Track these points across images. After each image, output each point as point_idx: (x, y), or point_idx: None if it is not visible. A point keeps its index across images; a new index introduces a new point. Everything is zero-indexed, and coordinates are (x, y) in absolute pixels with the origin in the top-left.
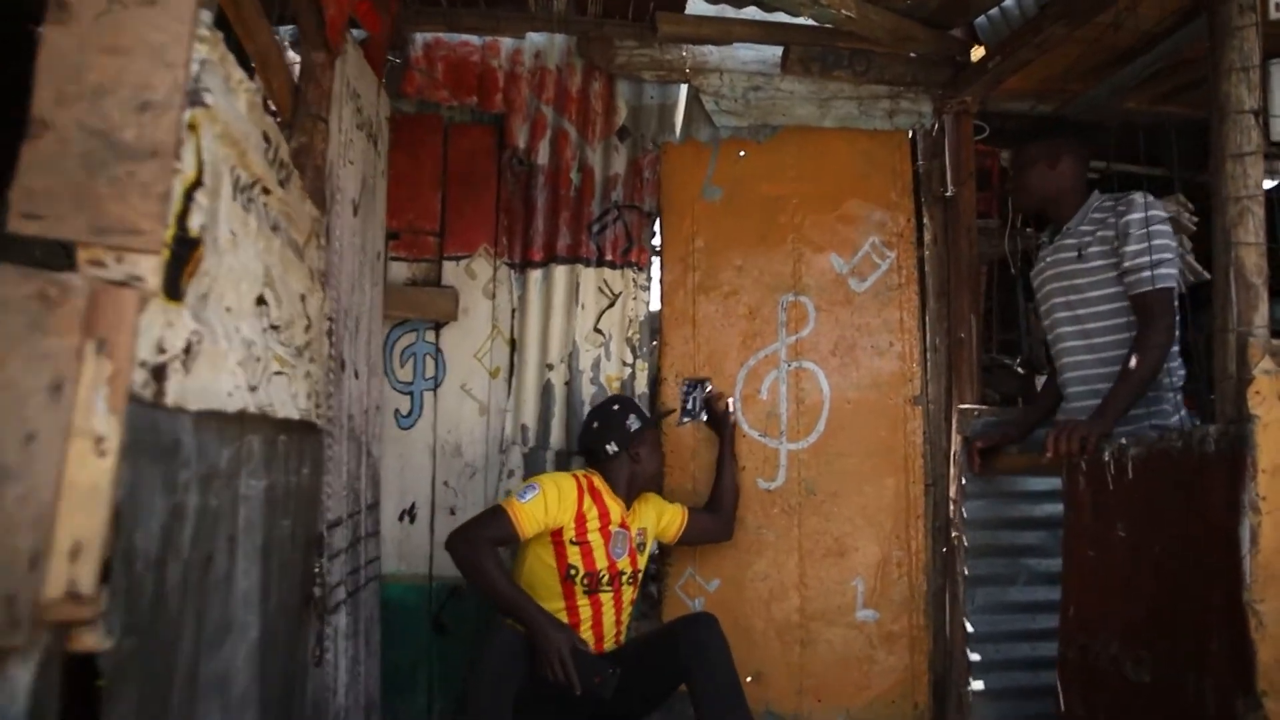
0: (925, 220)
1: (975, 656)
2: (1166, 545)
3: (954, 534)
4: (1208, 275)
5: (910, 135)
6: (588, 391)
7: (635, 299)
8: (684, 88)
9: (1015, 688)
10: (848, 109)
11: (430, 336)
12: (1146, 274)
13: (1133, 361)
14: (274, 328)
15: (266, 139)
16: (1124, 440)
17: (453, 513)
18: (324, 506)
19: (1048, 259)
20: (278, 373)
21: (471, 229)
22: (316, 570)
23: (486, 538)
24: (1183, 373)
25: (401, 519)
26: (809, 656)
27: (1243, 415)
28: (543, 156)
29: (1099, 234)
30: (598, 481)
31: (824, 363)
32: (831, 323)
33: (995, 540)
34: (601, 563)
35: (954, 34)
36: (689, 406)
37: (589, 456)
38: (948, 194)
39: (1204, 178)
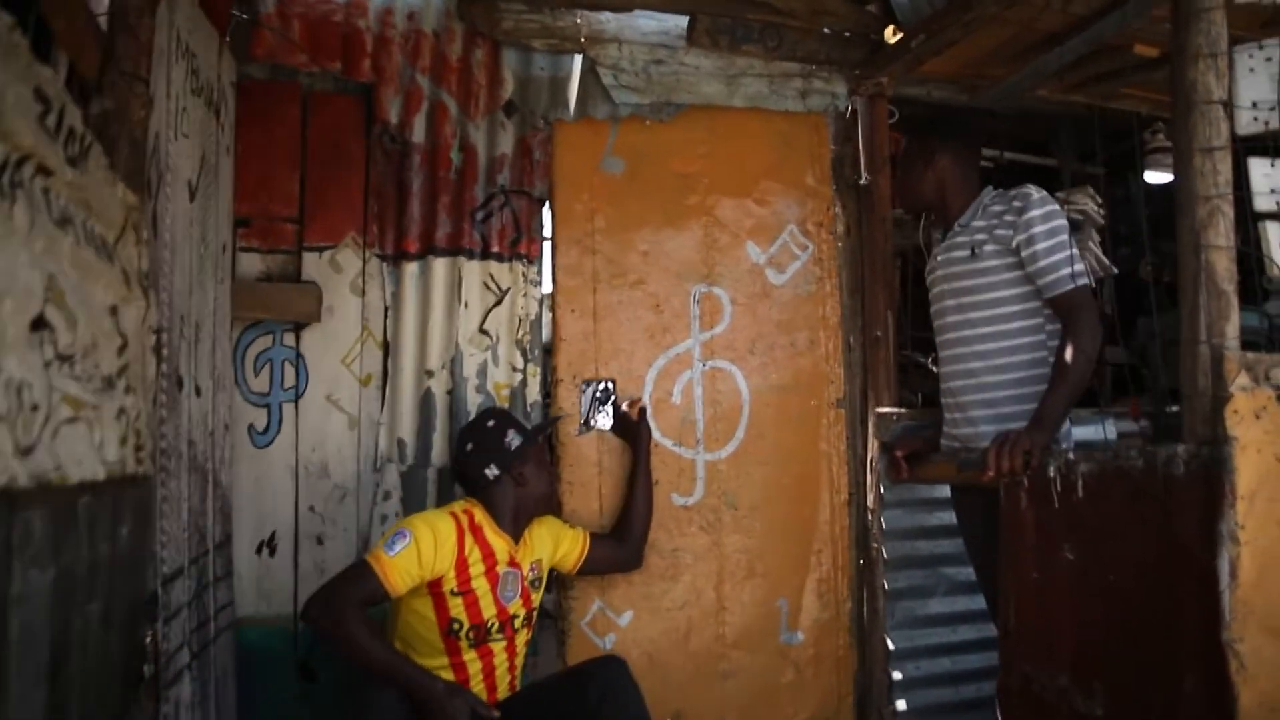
0: (838, 210)
1: (896, 675)
2: (1125, 571)
3: (873, 545)
4: (1115, 270)
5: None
6: (473, 401)
7: (525, 296)
8: (578, 59)
9: (938, 704)
10: (758, 87)
11: (289, 340)
12: (1066, 272)
13: (1067, 361)
14: (63, 358)
15: (42, 99)
16: (1071, 455)
17: (320, 542)
18: (158, 559)
19: (939, 258)
20: (70, 420)
21: (336, 215)
22: (148, 640)
23: (351, 600)
24: None
25: (260, 551)
26: (731, 689)
27: (1219, 436)
28: (418, 133)
29: (996, 232)
30: (479, 515)
31: (742, 362)
32: (749, 317)
33: (914, 551)
34: (489, 611)
35: (869, 9)
36: (590, 413)
37: (465, 484)
38: (861, 182)
39: (1094, 169)
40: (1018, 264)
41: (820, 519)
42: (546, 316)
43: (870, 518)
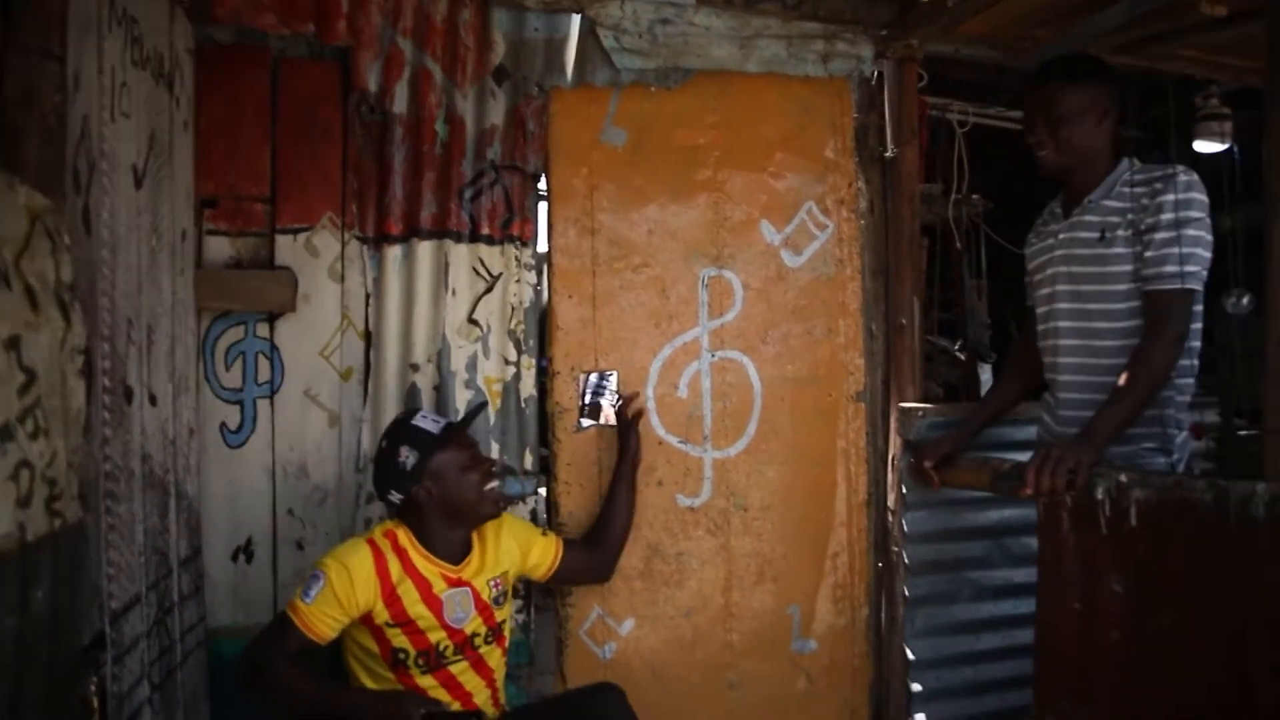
0: (861, 185)
1: (916, 686)
2: (1184, 615)
3: (893, 549)
4: None
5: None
6: (462, 398)
7: (519, 281)
8: (576, 19)
9: (959, 717)
10: (775, 50)
11: (263, 331)
12: (1170, 269)
13: (1133, 372)
14: None
15: None
16: (1123, 477)
17: (300, 547)
18: (104, 594)
19: (1060, 235)
20: None
21: (312, 194)
22: (93, 688)
23: (277, 655)
24: (1185, 398)
25: (235, 558)
26: (739, 701)
27: None
28: (400, 103)
29: (1130, 216)
30: (404, 537)
31: (754, 352)
32: (762, 304)
33: (938, 555)
34: (437, 636)
35: None
36: (588, 406)
37: (389, 507)
38: (888, 155)
39: (1129, 133)
40: (1142, 252)
41: (836, 521)
42: (542, 303)
43: (891, 520)
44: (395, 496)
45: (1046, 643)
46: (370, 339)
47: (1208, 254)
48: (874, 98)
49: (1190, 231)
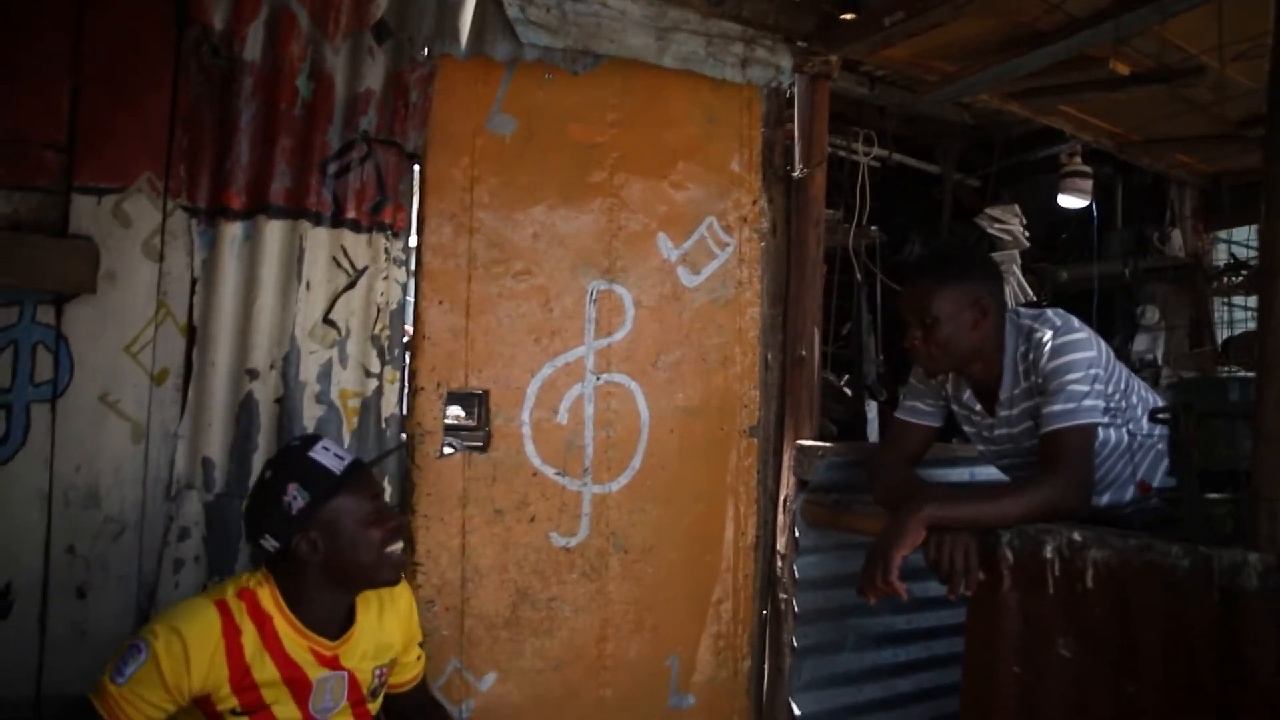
0: (764, 204)
1: None
2: (1151, 685)
3: (782, 596)
4: (1034, 297)
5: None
6: (311, 413)
7: (387, 278)
8: None
9: None
10: (692, 47)
11: (46, 316)
12: (1055, 409)
13: (1020, 490)
14: None
15: None
16: (1077, 535)
17: (81, 595)
18: None
19: (997, 431)
20: None
21: (126, 147)
22: None
23: None
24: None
25: None
26: None
27: None
28: (253, 49)
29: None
30: (266, 598)
31: (643, 377)
32: (655, 324)
33: (826, 602)
34: None
35: None
36: (456, 430)
37: (259, 553)
38: (795, 175)
39: (971, 181)
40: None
41: (722, 565)
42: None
43: (780, 565)
44: (270, 543)
45: (977, 707)
46: (194, 335)
47: (1091, 387)
48: (783, 113)
49: (1067, 377)
